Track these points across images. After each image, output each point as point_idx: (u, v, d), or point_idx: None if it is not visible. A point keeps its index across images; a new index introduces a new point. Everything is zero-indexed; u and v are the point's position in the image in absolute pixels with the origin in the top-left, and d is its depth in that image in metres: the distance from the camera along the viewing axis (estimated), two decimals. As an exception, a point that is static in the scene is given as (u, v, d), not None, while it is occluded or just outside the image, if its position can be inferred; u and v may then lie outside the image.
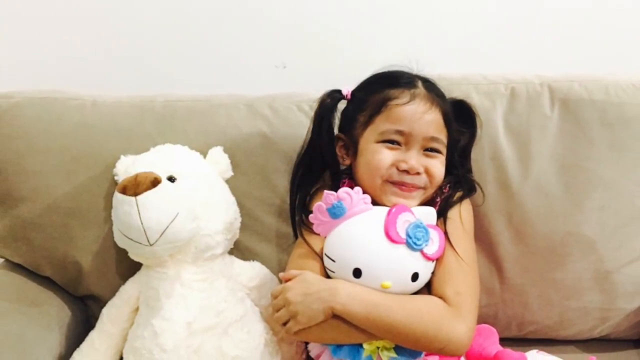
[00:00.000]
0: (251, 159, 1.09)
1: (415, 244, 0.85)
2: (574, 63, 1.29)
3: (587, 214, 1.06)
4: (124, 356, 1.00)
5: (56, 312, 1.09)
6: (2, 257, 1.14)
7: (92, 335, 1.04)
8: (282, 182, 1.09)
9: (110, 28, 1.39)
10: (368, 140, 0.95)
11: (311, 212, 0.91)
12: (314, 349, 0.95)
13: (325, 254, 0.90)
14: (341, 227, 0.88)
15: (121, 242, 0.97)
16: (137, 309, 1.03)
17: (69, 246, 1.09)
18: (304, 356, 1.06)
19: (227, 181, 1.07)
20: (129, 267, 1.06)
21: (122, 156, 1.05)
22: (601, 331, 1.13)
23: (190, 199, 0.97)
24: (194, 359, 0.95)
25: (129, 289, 1.04)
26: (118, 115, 1.11)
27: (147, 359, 0.94)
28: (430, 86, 0.97)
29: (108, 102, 1.13)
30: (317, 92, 1.03)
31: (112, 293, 1.06)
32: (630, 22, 1.35)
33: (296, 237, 1.02)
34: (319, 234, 0.91)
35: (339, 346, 0.89)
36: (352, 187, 0.89)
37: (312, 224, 0.91)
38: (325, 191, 0.89)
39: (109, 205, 1.01)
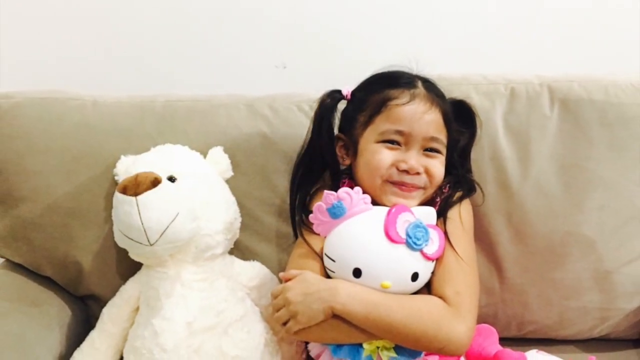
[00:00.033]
0: (251, 159, 1.09)
1: (415, 243, 0.85)
2: (574, 63, 1.29)
3: (587, 214, 1.06)
4: (125, 356, 1.00)
5: (57, 312, 1.09)
6: (2, 257, 1.15)
7: (93, 334, 1.04)
8: (282, 182, 1.09)
9: (111, 28, 1.39)
10: (368, 140, 0.95)
11: (311, 212, 0.91)
12: (314, 348, 0.95)
13: (325, 254, 0.90)
14: (341, 227, 0.88)
15: (121, 242, 0.97)
16: (137, 309, 1.03)
17: (69, 246, 1.09)
18: (304, 356, 1.06)
19: (228, 181, 1.07)
20: (129, 267, 1.07)
21: (122, 156, 1.05)
22: (601, 331, 1.13)
23: (190, 199, 0.97)
24: (194, 358, 0.95)
25: (130, 289, 1.04)
26: (118, 115, 1.11)
27: (148, 358, 0.94)
28: (430, 86, 0.97)
29: (108, 102, 1.13)
30: (317, 92, 1.03)
31: (113, 293, 1.06)
32: (630, 22, 1.34)
33: (296, 237, 1.02)
34: (319, 234, 0.91)
35: (339, 346, 0.90)
36: (352, 187, 0.89)
37: (312, 224, 0.91)
38: (325, 191, 0.89)
39: (109, 205, 1.01)
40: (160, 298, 0.97)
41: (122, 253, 1.03)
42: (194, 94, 1.15)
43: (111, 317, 1.04)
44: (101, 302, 1.08)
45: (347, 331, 0.86)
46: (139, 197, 0.92)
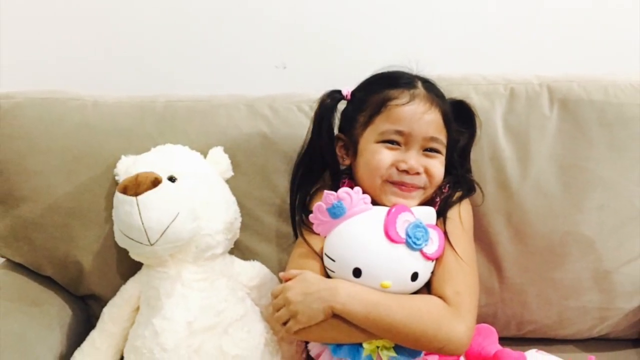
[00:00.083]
0: (251, 159, 1.10)
1: (414, 243, 0.85)
2: (573, 63, 1.29)
3: (586, 214, 1.06)
4: (125, 355, 1.00)
5: (57, 312, 1.10)
6: (3, 257, 1.15)
7: (93, 334, 1.05)
8: (282, 182, 1.09)
9: (111, 28, 1.39)
10: (368, 141, 0.95)
11: (311, 212, 0.91)
12: (314, 348, 0.95)
13: (325, 254, 0.90)
14: (341, 227, 0.89)
15: (122, 242, 0.97)
16: (137, 309, 1.03)
17: (70, 246, 1.09)
18: (304, 355, 1.06)
19: (228, 181, 1.07)
20: (129, 267, 1.07)
21: (122, 156, 1.05)
22: (600, 330, 1.14)
23: (190, 199, 0.97)
24: (194, 358, 0.95)
25: (130, 289, 1.04)
26: (119, 115, 1.11)
27: (148, 358, 0.95)
28: (429, 86, 0.97)
29: (109, 103, 1.13)
30: (317, 92, 1.03)
31: (113, 292, 1.06)
32: (629, 22, 1.34)
33: (296, 236, 1.02)
34: (319, 234, 0.92)
35: (338, 345, 0.90)
36: (352, 187, 0.89)
37: (312, 223, 0.91)
38: (325, 191, 0.89)
39: (109, 205, 1.01)
40: (161, 298, 0.97)
41: (123, 253, 1.03)
42: (194, 94, 1.15)
43: (112, 316, 1.04)
44: (102, 302, 1.08)
45: (347, 331, 0.86)
46: (140, 197, 0.92)
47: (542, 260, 1.08)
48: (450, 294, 0.87)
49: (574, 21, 1.35)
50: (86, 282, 1.12)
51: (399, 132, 0.93)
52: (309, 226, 0.94)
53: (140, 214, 0.91)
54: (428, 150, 0.94)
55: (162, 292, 0.97)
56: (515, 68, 1.15)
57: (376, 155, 0.93)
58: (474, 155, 1.05)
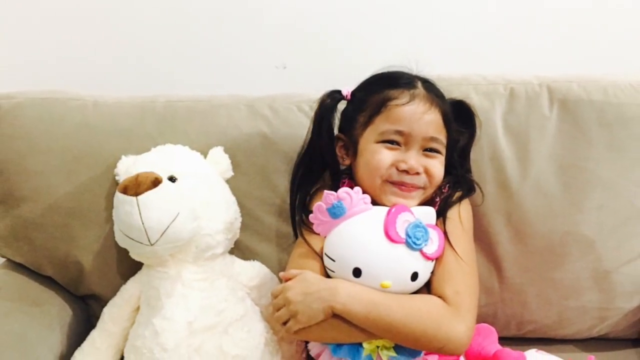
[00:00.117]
0: (251, 159, 1.10)
1: (414, 243, 0.85)
2: (573, 64, 1.29)
3: (586, 214, 1.06)
4: (125, 355, 1.00)
5: (57, 312, 1.10)
6: (3, 257, 1.15)
7: (93, 334, 1.05)
8: (283, 182, 1.09)
9: (111, 28, 1.39)
10: (368, 141, 0.95)
11: (311, 212, 0.91)
12: (314, 348, 0.95)
13: (325, 254, 0.90)
14: (341, 227, 0.89)
15: (122, 242, 0.98)
16: (138, 308, 1.03)
17: (70, 246, 1.09)
18: (304, 355, 1.07)
19: (228, 181, 1.07)
20: (130, 267, 1.07)
21: (123, 156, 1.05)
22: (600, 330, 1.14)
23: (191, 199, 0.97)
24: (194, 358, 0.95)
25: (130, 289, 1.04)
26: (119, 115, 1.11)
27: (148, 358, 0.95)
28: (429, 86, 0.97)
29: (109, 103, 1.13)
30: (317, 92, 1.03)
31: (113, 292, 1.06)
32: (629, 23, 1.35)
33: (296, 236, 1.02)
34: (319, 234, 0.92)
35: (338, 345, 0.90)
36: (352, 187, 0.89)
37: (312, 223, 0.91)
38: (325, 191, 0.89)
39: (110, 205, 1.01)
40: (161, 298, 0.97)
41: (123, 253, 1.03)
42: (195, 94, 1.15)
43: (112, 316, 1.04)
44: (102, 302, 1.09)
45: (347, 331, 0.86)
46: (140, 197, 0.92)
47: (542, 260, 1.08)
48: (450, 294, 0.87)
49: (574, 21, 1.35)
50: (86, 282, 1.12)
51: (399, 132, 0.93)
52: (309, 226, 0.94)
53: (140, 213, 0.91)
54: (428, 150, 0.94)
55: (162, 292, 0.97)
56: (515, 68, 1.15)
57: (376, 155, 0.93)
58: (474, 155, 1.05)
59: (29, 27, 1.39)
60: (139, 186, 0.92)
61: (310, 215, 0.91)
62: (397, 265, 0.86)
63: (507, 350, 0.94)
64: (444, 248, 0.90)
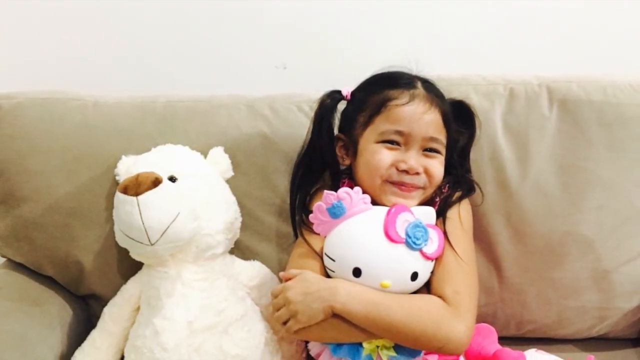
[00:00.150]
0: (251, 159, 1.10)
1: (414, 243, 0.86)
2: (573, 64, 1.29)
3: (586, 214, 1.06)
4: (125, 355, 1.00)
5: (58, 311, 1.10)
6: (4, 257, 1.15)
7: (94, 334, 1.05)
8: (283, 182, 1.09)
9: (111, 28, 1.39)
10: (368, 141, 0.95)
11: (311, 211, 0.91)
12: (314, 347, 0.96)
13: (325, 254, 0.90)
14: (341, 227, 0.89)
15: (122, 242, 0.98)
16: (138, 308, 1.03)
17: (70, 246, 1.09)
18: (304, 355, 1.07)
19: (228, 181, 1.08)
20: (130, 267, 1.07)
21: (123, 156, 1.06)
22: (599, 330, 1.14)
23: (191, 199, 0.97)
24: (194, 357, 0.95)
25: (130, 288, 1.05)
26: (119, 115, 1.11)
27: (148, 357, 0.95)
28: (429, 87, 0.98)
29: (109, 103, 1.13)
30: (317, 92, 1.03)
31: (114, 292, 1.06)
32: (628, 23, 1.35)
33: (296, 236, 1.02)
34: (319, 234, 0.92)
35: (338, 345, 0.90)
36: (352, 187, 0.90)
37: (312, 223, 0.91)
38: (325, 191, 0.89)
39: (110, 205, 1.01)
40: (161, 297, 0.97)
41: (123, 253, 1.03)
42: (195, 95, 1.15)
43: (112, 316, 1.04)
44: (102, 302, 1.09)
45: (347, 330, 0.86)
46: (140, 197, 0.92)
47: (541, 260, 1.08)
48: (450, 294, 0.87)
49: (574, 21, 1.35)
50: (87, 282, 1.12)
51: (399, 132, 0.93)
52: (309, 226, 0.94)
53: (140, 213, 0.91)
54: (428, 151, 0.94)
55: (162, 292, 0.98)
56: (515, 68, 1.15)
57: (376, 155, 0.93)
58: (474, 155, 1.05)
59: (29, 27, 1.39)
60: (139, 186, 0.92)
61: (310, 215, 0.91)
62: (397, 265, 0.86)
63: (507, 350, 0.94)
64: (443, 248, 0.90)
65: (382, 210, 0.88)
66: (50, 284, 1.14)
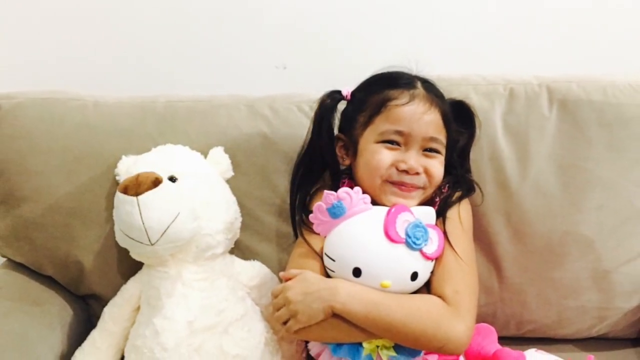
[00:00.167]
0: (252, 159, 1.10)
1: (414, 243, 0.86)
2: (572, 64, 1.29)
3: (586, 214, 1.06)
4: (126, 355, 1.00)
5: (58, 311, 1.10)
6: (4, 257, 1.15)
7: (94, 334, 1.05)
8: (283, 182, 1.09)
9: (111, 28, 1.39)
10: (368, 141, 0.95)
11: (311, 211, 0.91)
12: (314, 347, 0.96)
13: (325, 254, 0.90)
14: (341, 227, 0.89)
15: (122, 242, 0.98)
16: (138, 308, 1.03)
17: (70, 246, 1.09)
18: (304, 355, 1.07)
19: (228, 181, 1.08)
20: (130, 267, 1.07)
21: (123, 156, 1.06)
22: (599, 330, 1.14)
23: (191, 199, 0.97)
24: (194, 357, 0.95)
25: (131, 288, 1.05)
26: (119, 115, 1.11)
27: (149, 357, 0.95)
28: (429, 87, 0.98)
29: (109, 103, 1.13)
30: (317, 92, 1.03)
31: (114, 292, 1.06)
32: (628, 23, 1.35)
33: (296, 236, 1.03)
34: (319, 234, 0.92)
35: (338, 345, 0.90)
36: (352, 187, 0.90)
37: (312, 223, 0.91)
38: (325, 191, 0.89)
39: (110, 205, 1.02)
40: (161, 297, 0.97)
41: (123, 253, 1.03)
42: (195, 95, 1.15)
43: (112, 316, 1.04)
44: (102, 302, 1.09)
45: (347, 330, 0.86)
46: (140, 197, 0.92)
47: (541, 260, 1.08)
48: (450, 294, 0.87)
49: (574, 21, 1.35)
50: (87, 282, 1.12)
51: (399, 132, 0.93)
52: (309, 226, 0.94)
53: (140, 213, 0.92)
54: (428, 151, 0.94)
55: (162, 292, 0.98)
56: (515, 68, 1.15)
57: (376, 155, 0.93)
58: (474, 155, 1.05)
59: (29, 27, 1.39)
60: (139, 186, 0.93)
61: (310, 215, 0.92)
62: (397, 265, 0.86)
63: (507, 349, 0.94)
64: (443, 248, 0.90)
65: (382, 210, 0.88)
66: (51, 284, 1.14)
